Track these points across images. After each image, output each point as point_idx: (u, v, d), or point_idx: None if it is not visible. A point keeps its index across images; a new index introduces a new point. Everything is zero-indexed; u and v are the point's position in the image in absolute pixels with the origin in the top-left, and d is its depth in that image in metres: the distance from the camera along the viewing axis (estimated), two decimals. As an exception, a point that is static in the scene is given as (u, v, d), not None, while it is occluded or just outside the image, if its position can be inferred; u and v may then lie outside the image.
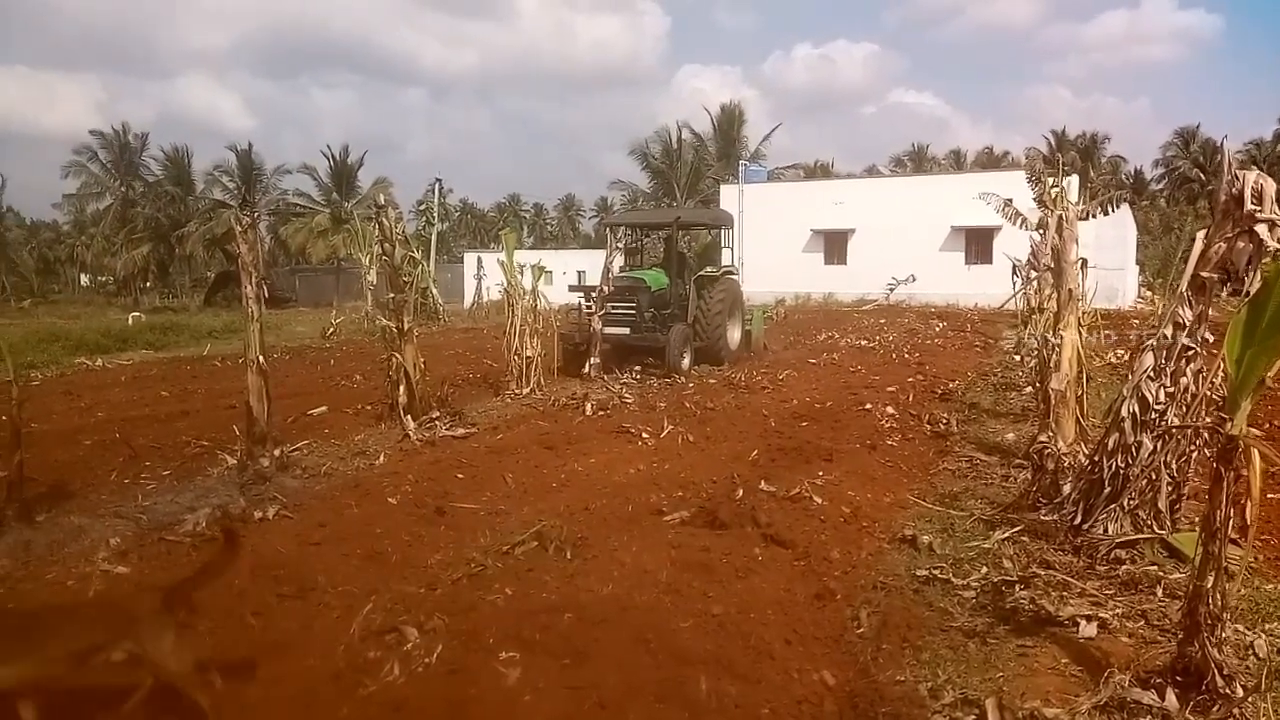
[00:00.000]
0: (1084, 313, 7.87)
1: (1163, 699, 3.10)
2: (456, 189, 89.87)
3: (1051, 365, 6.86)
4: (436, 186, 47.43)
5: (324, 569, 4.56)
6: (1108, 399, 6.81)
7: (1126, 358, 10.42)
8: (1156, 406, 4.77)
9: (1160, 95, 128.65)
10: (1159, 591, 4.20)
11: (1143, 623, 3.91)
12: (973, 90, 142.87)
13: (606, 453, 7.52)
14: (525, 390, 11.04)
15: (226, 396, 10.09)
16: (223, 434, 7.75)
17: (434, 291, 27.23)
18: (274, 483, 6.46)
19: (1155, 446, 4.77)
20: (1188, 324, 4.69)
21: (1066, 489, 5.37)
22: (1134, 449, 4.81)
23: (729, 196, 38.14)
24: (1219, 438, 3.22)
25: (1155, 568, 4.48)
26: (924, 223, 33.51)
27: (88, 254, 56.14)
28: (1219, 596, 3.16)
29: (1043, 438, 6.20)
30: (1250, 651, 3.52)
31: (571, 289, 14.18)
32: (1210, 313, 4.68)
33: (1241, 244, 4.32)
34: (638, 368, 13.07)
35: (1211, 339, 4.59)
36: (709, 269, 14.84)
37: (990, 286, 25.97)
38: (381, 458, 7.46)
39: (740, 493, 5.86)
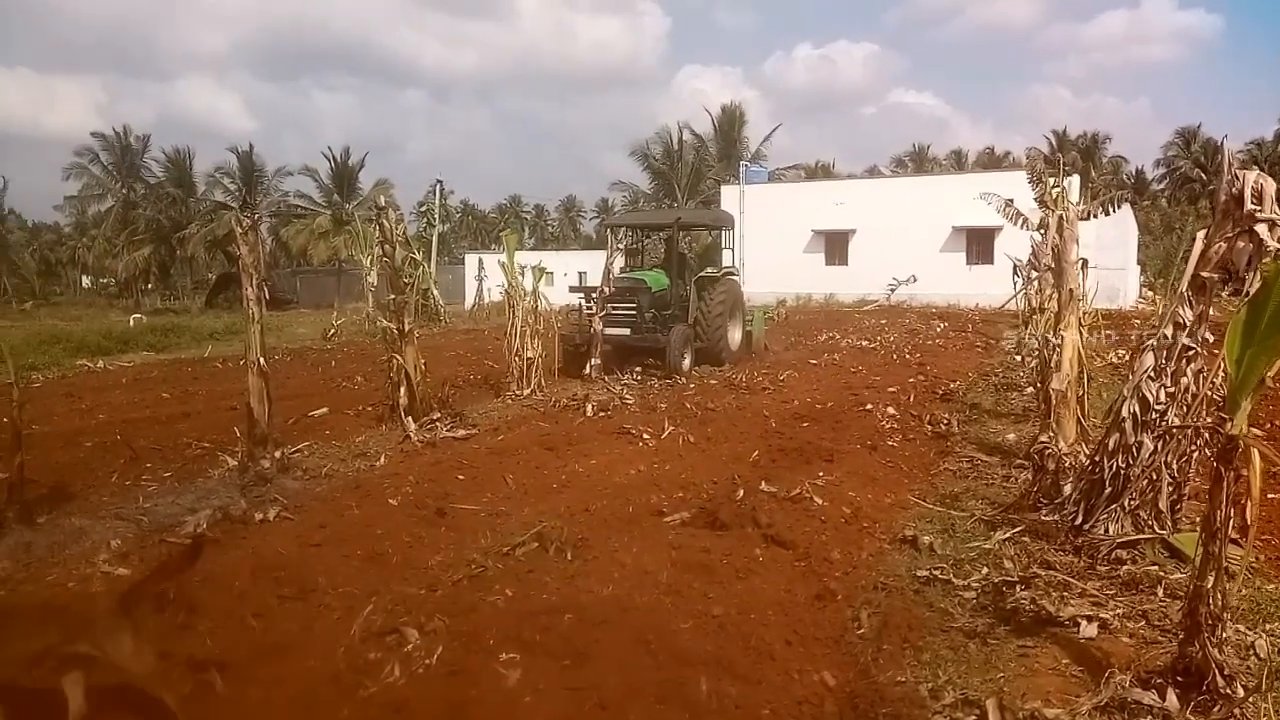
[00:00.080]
0: (1085, 313, 7.87)
1: (1163, 699, 3.10)
2: (457, 190, 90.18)
3: (1052, 365, 6.86)
4: (437, 188, 47.63)
5: (325, 570, 4.56)
6: (1109, 399, 6.81)
7: (1127, 358, 10.41)
8: (1157, 407, 4.77)
9: (1161, 95, 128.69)
10: (1160, 592, 4.20)
11: (1144, 623, 3.91)
12: (973, 90, 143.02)
13: (607, 454, 7.52)
14: (526, 391, 11.05)
15: (228, 398, 10.10)
16: (224, 436, 7.76)
17: (435, 293, 27.26)
18: (275, 484, 6.46)
19: (1156, 447, 4.77)
20: (1188, 324, 4.69)
21: (1067, 489, 5.37)
22: (1135, 449, 4.81)
23: (730, 197, 38.18)
24: (1219, 438, 3.22)
25: (1156, 568, 4.48)
26: (925, 223, 33.51)
27: (89, 256, 56.27)
28: (1219, 597, 3.15)
29: (1043, 438, 6.19)
30: (1251, 652, 3.51)
31: (572, 290, 14.20)
32: (1211, 312, 4.68)
33: (1242, 244, 4.32)
34: (638, 369, 13.07)
35: (1212, 339, 4.59)
36: (709, 270, 14.83)
37: (991, 287, 26.01)
38: (382, 459, 7.46)
39: (741, 493, 5.86)
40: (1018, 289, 11.47)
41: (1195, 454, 4.87)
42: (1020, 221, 7.86)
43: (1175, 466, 4.84)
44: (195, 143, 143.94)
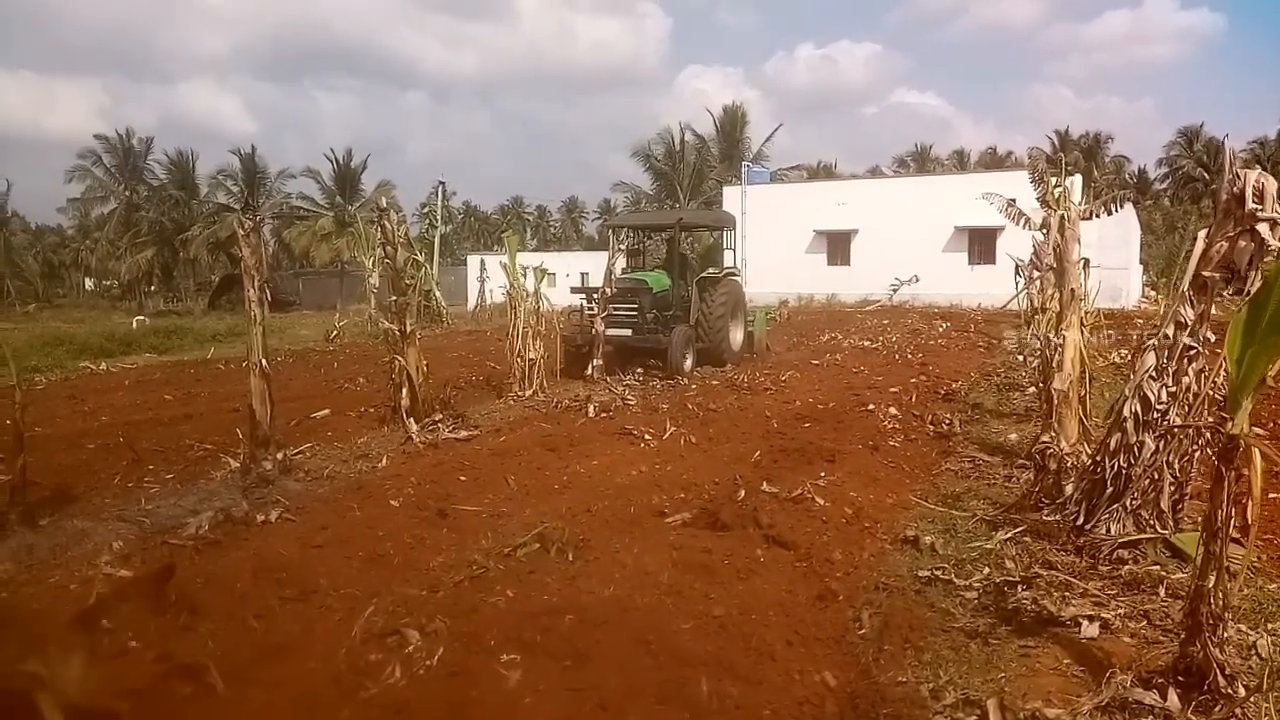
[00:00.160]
0: (1087, 312, 7.86)
1: (1164, 699, 3.09)
2: (460, 191, 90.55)
3: (1054, 365, 6.85)
4: (439, 189, 47.53)
5: (326, 571, 4.56)
6: (1111, 399, 6.79)
7: (1129, 357, 10.39)
8: (1159, 406, 4.76)
9: (1163, 95, 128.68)
10: (1161, 591, 4.19)
11: (1145, 623, 3.90)
12: (975, 90, 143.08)
13: (609, 454, 7.52)
14: (528, 392, 11.05)
15: (230, 400, 10.11)
16: (226, 437, 7.77)
17: (437, 294, 27.31)
18: (277, 486, 6.47)
19: (1157, 446, 4.76)
20: (1190, 323, 4.68)
21: (1069, 489, 5.36)
22: (1136, 449, 4.80)
23: (732, 198, 38.18)
24: (1220, 437, 3.21)
25: (1158, 568, 4.47)
26: (927, 223, 33.49)
27: (92, 258, 56.40)
28: (1221, 596, 3.15)
29: (1045, 438, 6.19)
30: (1253, 651, 3.50)
31: (573, 291, 14.19)
32: (1214, 312, 4.67)
33: (1243, 243, 4.30)
34: (640, 369, 13.07)
35: (1214, 338, 4.58)
36: (711, 270, 14.83)
37: (993, 287, 26.00)
38: (384, 460, 7.47)
39: (742, 494, 5.86)
40: (1019, 289, 11.42)
41: (1197, 453, 4.86)
42: (1022, 221, 7.85)
43: (1177, 466, 4.83)
44: (198, 145, 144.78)
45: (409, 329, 8.98)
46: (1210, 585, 3.15)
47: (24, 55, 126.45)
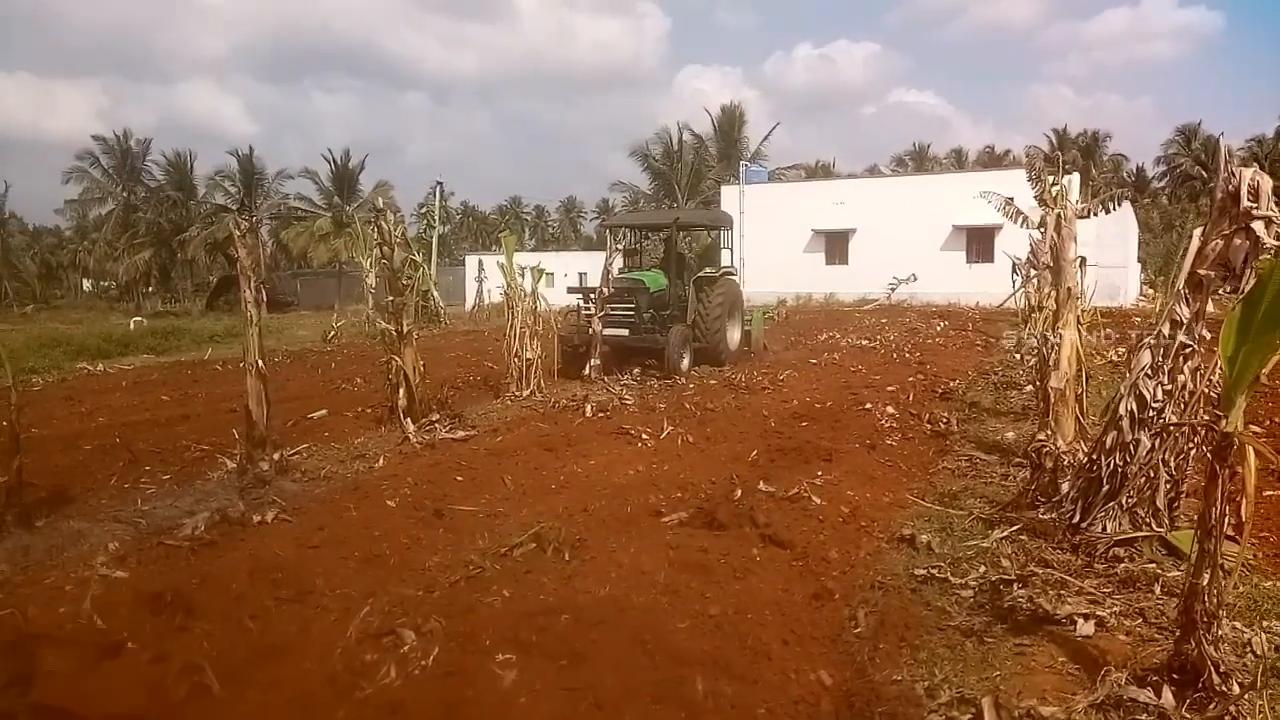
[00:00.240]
0: (1083, 311, 7.87)
1: (1159, 697, 3.10)
2: (458, 191, 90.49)
3: (1051, 364, 6.85)
4: (438, 189, 47.67)
5: (322, 572, 4.56)
6: (1108, 397, 6.80)
7: (1127, 356, 10.39)
8: (1154, 404, 4.76)
9: (1162, 93, 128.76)
10: (1157, 589, 4.19)
11: (1140, 620, 3.91)
12: (974, 89, 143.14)
13: (606, 454, 7.52)
14: (525, 392, 11.05)
15: (227, 400, 10.11)
16: (223, 438, 7.77)
17: (435, 294, 27.30)
18: (273, 486, 6.46)
19: (1153, 444, 4.76)
20: (1185, 321, 4.68)
21: (1065, 487, 5.36)
22: (1132, 447, 4.80)
23: (730, 197, 38.16)
24: (1214, 435, 3.21)
25: (1153, 565, 4.47)
26: (925, 222, 33.49)
27: (90, 259, 56.33)
28: (1215, 594, 3.15)
29: (1041, 436, 6.18)
30: (1248, 649, 3.50)
31: (570, 291, 14.18)
32: (1211, 309, 4.67)
33: (1238, 241, 4.31)
34: (638, 369, 13.07)
35: (1209, 336, 4.58)
36: (708, 270, 14.82)
37: (992, 285, 25.93)
38: (381, 461, 7.46)
39: (739, 493, 5.86)
40: (1016, 287, 11.44)
41: (1193, 451, 4.86)
42: (1020, 220, 7.85)
43: (1173, 464, 4.83)
44: (197, 146, 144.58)
45: (406, 329, 8.98)
46: (1205, 583, 3.15)
47: (23, 56, 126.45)
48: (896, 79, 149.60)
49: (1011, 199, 8.00)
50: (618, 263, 14.02)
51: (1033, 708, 3.12)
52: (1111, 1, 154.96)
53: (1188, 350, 4.70)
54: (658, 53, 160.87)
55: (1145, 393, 4.78)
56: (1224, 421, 3.16)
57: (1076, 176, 31.25)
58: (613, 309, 12.81)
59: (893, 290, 32.64)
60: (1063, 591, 4.20)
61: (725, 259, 15.98)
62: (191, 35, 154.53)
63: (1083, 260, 7.12)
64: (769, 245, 35.24)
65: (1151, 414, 4.76)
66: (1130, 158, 62.45)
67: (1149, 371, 4.81)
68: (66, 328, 25.20)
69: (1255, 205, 4.20)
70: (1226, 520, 3.20)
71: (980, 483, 6.52)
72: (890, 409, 9.29)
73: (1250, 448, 3.13)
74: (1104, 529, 4.82)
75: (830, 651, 3.69)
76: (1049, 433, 6.22)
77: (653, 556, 4.70)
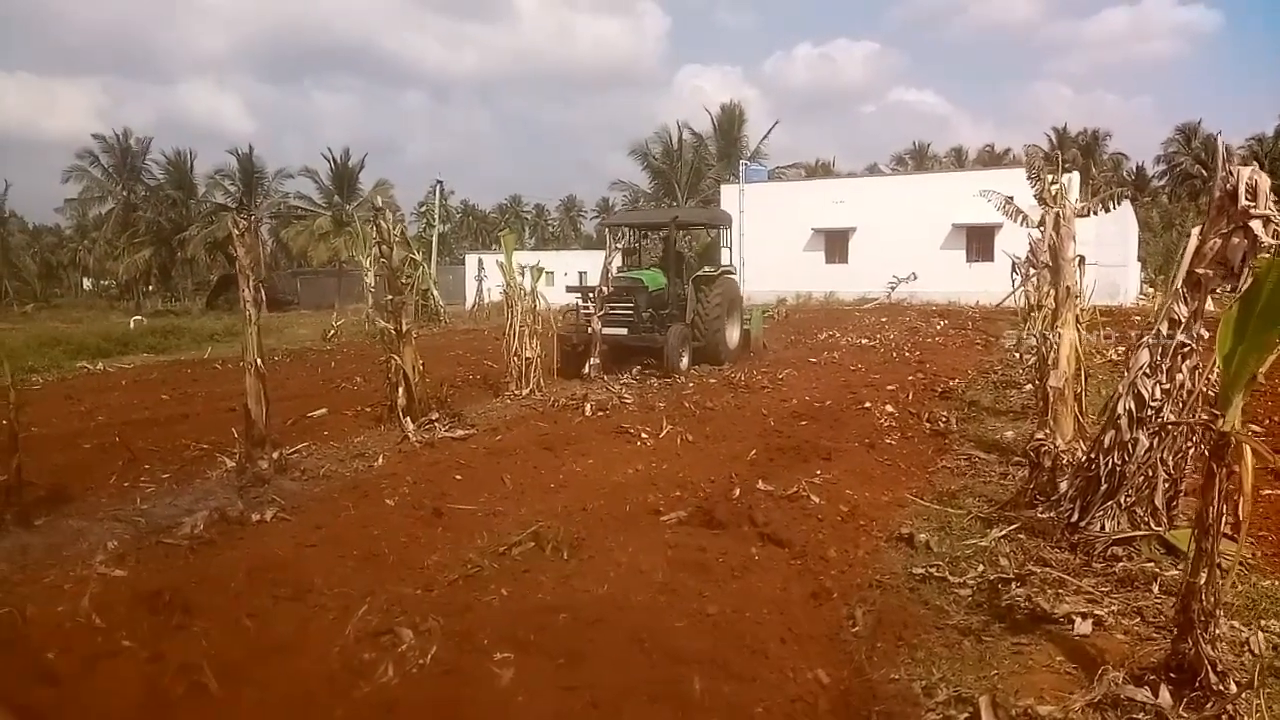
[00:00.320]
0: (1082, 310, 7.86)
1: (1156, 696, 3.09)
2: (458, 190, 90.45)
3: (1050, 363, 6.86)
4: (437, 188, 47.70)
5: (320, 571, 4.56)
6: (1107, 396, 6.80)
7: (1126, 354, 10.38)
8: (1152, 403, 4.76)
9: (1162, 92, 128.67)
10: (1155, 588, 4.19)
11: (1138, 619, 3.91)
12: (974, 88, 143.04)
13: (605, 453, 7.52)
14: (525, 391, 11.05)
15: (226, 399, 10.10)
16: (222, 437, 7.76)
17: (435, 293, 27.31)
18: (272, 485, 6.46)
19: (1151, 443, 4.76)
20: (1183, 320, 4.68)
21: (1064, 486, 5.36)
22: (1130, 446, 4.80)
23: (730, 196, 38.16)
24: (1211, 434, 3.21)
25: (1152, 564, 4.48)
26: (925, 221, 33.49)
27: (90, 258, 56.35)
28: (1212, 593, 3.15)
29: (1040, 435, 6.18)
30: (1246, 648, 3.50)
31: (569, 290, 14.17)
32: (1212, 308, 4.66)
33: (1236, 240, 4.32)
34: (637, 368, 13.07)
35: (1207, 335, 4.58)
36: (707, 268, 14.82)
37: (991, 284, 25.84)
38: (380, 459, 7.46)
39: (737, 492, 5.86)
40: (1015, 286, 11.42)
41: (1191, 450, 4.86)
42: (1020, 219, 7.86)
43: (1171, 463, 4.83)
44: (196, 145, 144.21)
45: (405, 328, 8.98)
46: (1202, 582, 3.15)
47: (23, 56, 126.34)
48: (896, 78, 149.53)
49: (1011, 198, 8.00)
50: (617, 261, 14.01)
51: (1030, 707, 3.12)
52: (1111, 0, 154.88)
53: (1186, 349, 4.70)
54: (658, 52, 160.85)
55: (1144, 391, 4.78)
56: (1221, 420, 3.16)
57: (1076, 175, 31.25)
58: (612, 308, 12.81)
59: (892, 289, 32.64)
60: (1061, 590, 4.20)
61: (725, 258, 15.98)
62: (191, 34, 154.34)
63: (1081, 259, 7.11)
64: (769, 244, 35.24)
65: (1150, 413, 4.76)
66: (1130, 156, 62.48)
67: (1147, 370, 4.81)
68: (66, 326, 25.22)
69: (1253, 204, 4.20)
70: (1224, 519, 3.20)
71: (979, 482, 6.52)
72: (889, 408, 9.29)
73: (1247, 447, 3.13)
74: (1102, 528, 4.81)
75: (828, 650, 3.69)
76: (1048, 432, 6.22)
77: (651, 555, 4.70)
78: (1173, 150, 57.84)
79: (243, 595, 4.23)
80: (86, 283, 64.74)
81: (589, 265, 32.89)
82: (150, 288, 54.69)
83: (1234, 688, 3.06)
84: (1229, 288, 4.45)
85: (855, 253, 36.22)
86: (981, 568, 4.57)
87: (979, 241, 32.85)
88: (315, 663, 3.52)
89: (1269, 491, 5.60)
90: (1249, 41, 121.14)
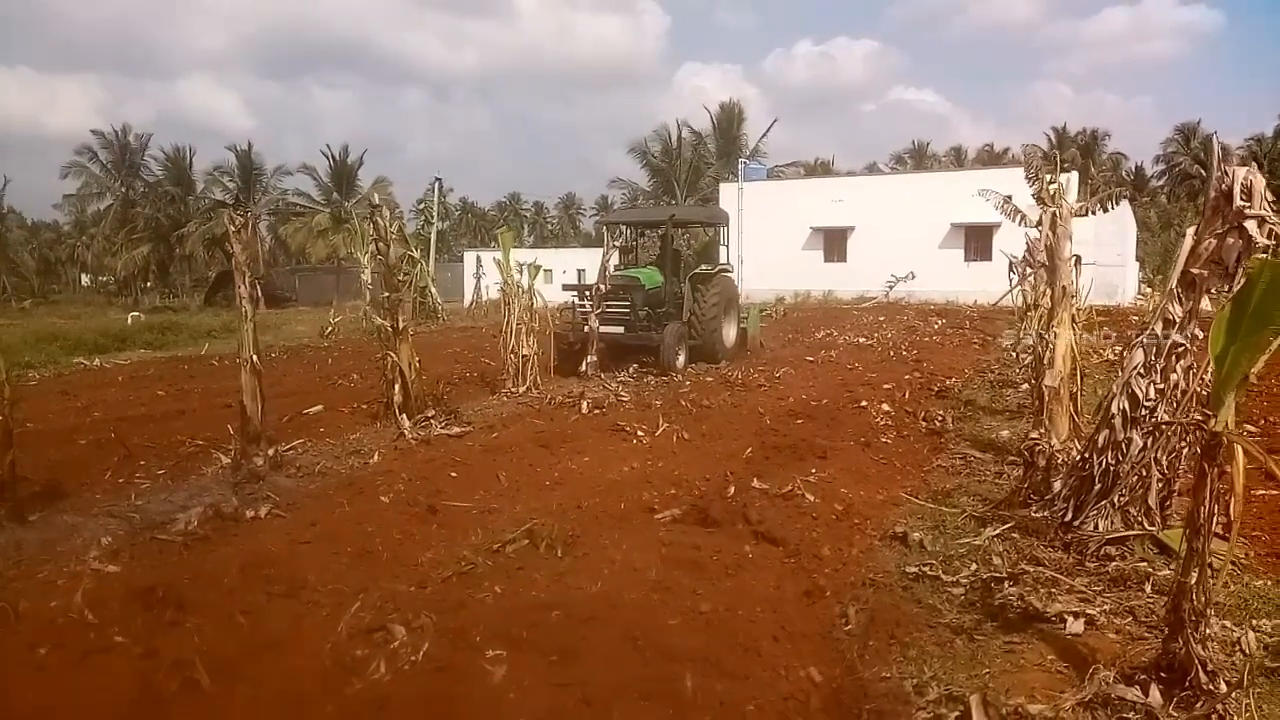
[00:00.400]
0: (1079, 309, 7.87)
1: (1146, 695, 3.10)
2: (457, 188, 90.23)
3: (1046, 362, 6.86)
4: (436, 186, 47.57)
5: (315, 567, 4.56)
6: (1103, 395, 6.81)
7: (1122, 354, 10.38)
8: (1146, 403, 4.77)
9: (1161, 92, 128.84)
10: (1148, 587, 4.20)
11: (1130, 619, 3.91)
12: (973, 87, 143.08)
13: (600, 451, 7.52)
14: (522, 389, 11.05)
15: (223, 396, 10.10)
16: (218, 433, 7.75)
17: (433, 290, 27.28)
18: (267, 481, 6.46)
19: (1145, 443, 4.77)
20: (1178, 320, 4.69)
21: (1057, 486, 5.37)
22: (1124, 445, 4.81)
23: (729, 194, 38.13)
24: (1203, 434, 3.22)
25: (1145, 564, 4.48)
26: (924, 220, 33.49)
27: (88, 254, 56.21)
28: (1203, 592, 3.15)
29: (1035, 434, 6.19)
30: (1237, 648, 3.50)
31: (565, 288, 14.16)
32: (1208, 308, 4.67)
33: (1231, 240, 4.32)
34: (634, 366, 13.07)
35: (1202, 335, 4.58)
36: (704, 267, 14.81)
37: (990, 284, 25.86)
38: (375, 456, 7.45)
39: (732, 490, 5.87)
40: (1012, 286, 11.43)
41: (1185, 450, 4.86)
42: (1018, 218, 7.86)
43: (1165, 463, 4.83)
44: (196, 141, 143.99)
45: (402, 325, 8.96)
46: (1193, 582, 3.16)
47: (23, 52, 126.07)
48: (896, 77, 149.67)
49: (1010, 197, 8.01)
50: (614, 260, 14.00)
51: (1020, 705, 3.13)
52: (1111, 0, 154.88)
53: (1180, 349, 4.71)
54: (657, 50, 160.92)
55: (1138, 391, 4.79)
56: (1213, 420, 3.16)
57: (1075, 175, 31.28)
58: (609, 306, 12.80)
59: (891, 288, 32.66)
60: (1053, 589, 4.20)
61: (722, 256, 15.97)
62: (191, 31, 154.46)
63: (1078, 259, 7.11)
64: (768, 243, 35.24)
65: (1144, 413, 4.77)
66: (1129, 156, 62.45)
67: (1142, 370, 4.82)
68: (64, 323, 25.15)
69: (1248, 204, 4.20)
70: (1216, 519, 3.20)
71: (974, 481, 6.53)
72: (886, 407, 9.30)
73: (1239, 447, 3.13)
74: (1096, 527, 4.83)
75: (820, 648, 3.69)
76: (1043, 431, 6.23)
77: (645, 553, 4.70)
78: (1172, 150, 57.85)
79: (236, 591, 4.23)
80: (84, 279, 64.67)
81: (587, 263, 32.87)
82: (148, 284, 54.60)
83: (1224, 687, 3.06)
84: (1224, 288, 4.46)
85: (853, 251, 36.21)
86: (975, 566, 4.58)
87: (977, 241, 32.85)
88: (308, 659, 3.52)
89: (1261, 491, 5.61)
90: (1249, 41, 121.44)
